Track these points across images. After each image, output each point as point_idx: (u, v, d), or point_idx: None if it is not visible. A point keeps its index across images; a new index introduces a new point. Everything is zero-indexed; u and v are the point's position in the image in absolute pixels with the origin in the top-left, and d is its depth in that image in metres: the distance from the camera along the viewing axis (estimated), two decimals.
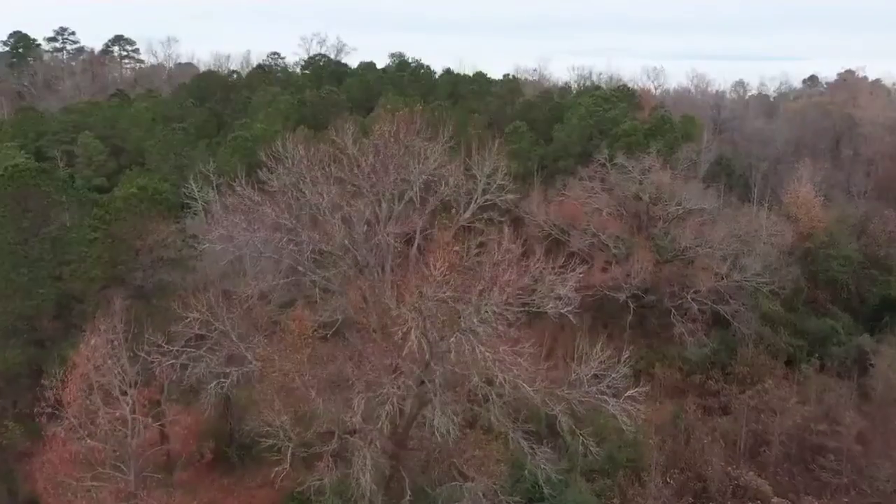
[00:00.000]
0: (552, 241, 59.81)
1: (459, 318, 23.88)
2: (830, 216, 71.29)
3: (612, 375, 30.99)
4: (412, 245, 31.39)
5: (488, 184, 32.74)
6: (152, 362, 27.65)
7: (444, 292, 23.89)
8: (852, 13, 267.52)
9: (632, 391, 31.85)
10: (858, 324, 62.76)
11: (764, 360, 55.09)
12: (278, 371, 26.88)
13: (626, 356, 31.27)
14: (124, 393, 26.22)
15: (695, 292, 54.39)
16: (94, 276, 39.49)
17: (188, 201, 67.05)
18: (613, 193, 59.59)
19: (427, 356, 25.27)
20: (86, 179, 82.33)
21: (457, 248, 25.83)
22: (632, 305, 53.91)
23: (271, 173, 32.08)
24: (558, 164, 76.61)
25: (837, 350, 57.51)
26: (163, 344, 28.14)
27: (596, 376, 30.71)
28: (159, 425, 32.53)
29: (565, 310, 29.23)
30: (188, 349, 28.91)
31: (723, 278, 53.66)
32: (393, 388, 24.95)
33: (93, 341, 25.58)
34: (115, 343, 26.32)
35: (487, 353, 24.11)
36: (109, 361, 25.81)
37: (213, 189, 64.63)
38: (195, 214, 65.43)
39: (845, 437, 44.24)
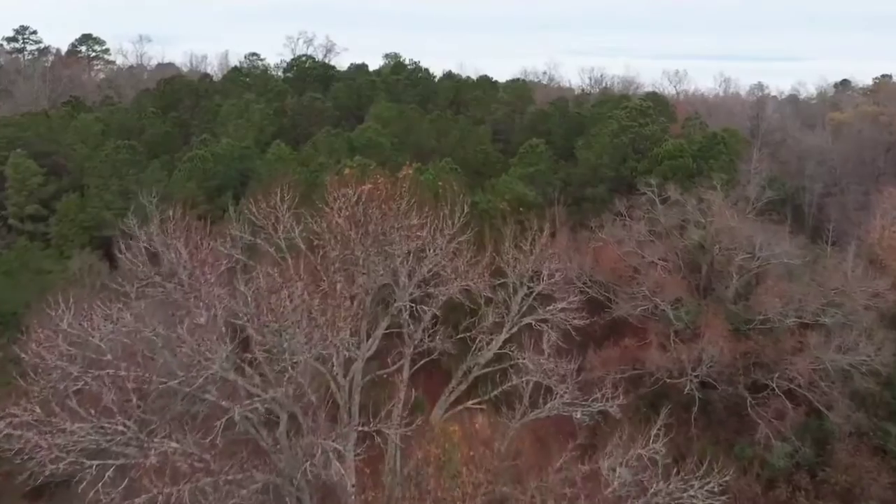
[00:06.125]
0: (587, 301, 46.37)
1: None
2: None
3: None
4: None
5: (529, 290, 19.34)
6: None
7: None
8: (852, 13, 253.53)
9: None
10: None
11: (866, 463, 42.05)
12: None
13: None
14: None
15: (779, 377, 40.98)
16: None
17: (129, 241, 53.80)
18: (667, 240, 46.06)
19: None
20: (17, 207, 69.31)
21: None
22: (698, 395, 40.58)
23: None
24: (585, 191, 63.15)
25: None
26: None
27: None
28: None
29: None
30: None
31: (825, 363, 40.03)
32: None
33: None
34: None
35: None
36: None
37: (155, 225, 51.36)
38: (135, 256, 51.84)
39: None
